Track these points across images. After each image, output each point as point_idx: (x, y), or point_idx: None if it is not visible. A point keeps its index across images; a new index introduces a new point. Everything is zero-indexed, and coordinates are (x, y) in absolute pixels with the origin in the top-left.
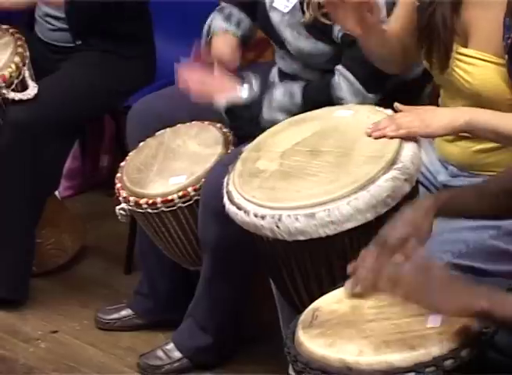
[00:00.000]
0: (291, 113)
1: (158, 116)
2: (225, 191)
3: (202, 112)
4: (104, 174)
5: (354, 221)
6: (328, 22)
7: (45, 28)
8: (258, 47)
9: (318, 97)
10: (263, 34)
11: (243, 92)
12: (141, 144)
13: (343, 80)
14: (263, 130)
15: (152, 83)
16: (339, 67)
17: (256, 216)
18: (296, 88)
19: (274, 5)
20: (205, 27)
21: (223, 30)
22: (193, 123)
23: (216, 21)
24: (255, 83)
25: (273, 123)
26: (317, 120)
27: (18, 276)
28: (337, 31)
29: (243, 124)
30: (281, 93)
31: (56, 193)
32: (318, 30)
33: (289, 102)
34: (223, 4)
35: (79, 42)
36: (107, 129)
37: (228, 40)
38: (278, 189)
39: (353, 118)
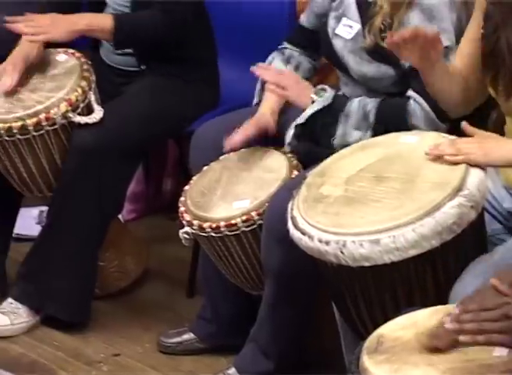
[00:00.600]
0: (364, 130)
1: (222, 140)
2: (289, 217)
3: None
4: (168, 198)
5: (419, 248)
6: None
7: (110, 52)
8: (322, 71)
9: (392, 120)
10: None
11: (317, 102)
12: (205, 168)
13: (418, 107)
14: (327, 154)
15: (216, 107)
16: (414, 94)
17: (320, 241)
18: (371, 106)
19: (337, 32)
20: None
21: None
22: (256, 147)
23: (276, 62)
24: (330, 93)
25: (345, 141)
26: (381, 146)
27: (81, 299)
28: None
29: (311, 146)
30: (356, 108)
31: (120, 216)
32: (380, 54)
33: (362, 119)
34: (285, 45)
35: (143, 66)
36: (170, 153)
37: None
38: (342, 215)
39: (419, 144)
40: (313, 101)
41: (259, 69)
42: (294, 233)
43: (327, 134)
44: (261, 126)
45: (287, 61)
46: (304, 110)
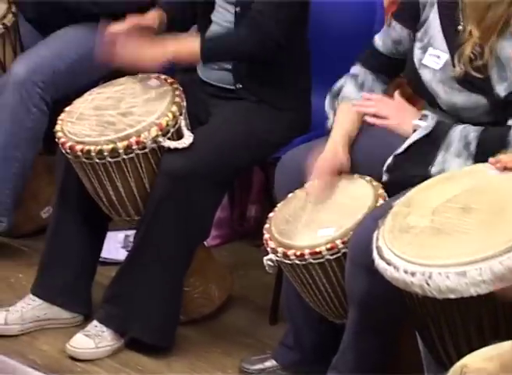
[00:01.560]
0: (465, 158)
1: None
2: (374, 246)
3: (351, 164)
4: (252, 224)
5: (506, 281)
6: (480, 76)
7: (208, 67)
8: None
9: (494, 149)
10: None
11: (419, 129)
12: (290, 195)
13: None
14: (414, 184)
15: (305, 134)
16: None
17: (406, 272)
18: (473, 135)
19: (424, 62)
20: (334, 88)
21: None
22: (342, 175)
23: (348, 87)
24: (431, 120)
25: (444, 168)
26: (468, 177)
27: (166, 324)
28: (500, 88)
29: (404, 175)
30: (458, 135)
31: (204, 242)
32: (471, 83)
33: (463, 147)
34: (358, 67)
35: (239, 85)
36: (256, 179)
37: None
38: (428, 246)
39: (506, 176)
40: (415, 130)
41: (359, 106)
42: (379, 263)
43: (424, 162)
44: (335, 168)
45: (360, 87)
46: (404, 137)
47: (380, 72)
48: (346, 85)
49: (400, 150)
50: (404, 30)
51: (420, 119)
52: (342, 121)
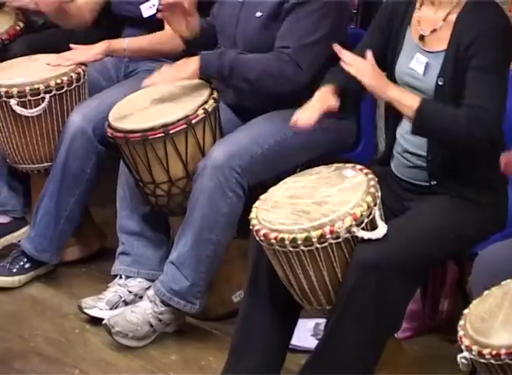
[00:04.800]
0: None
1: (506, 264)
2: None
3: None
4: (444, 319)
5: None
6: None
7: (402, 164)
8: None
9: None
10: None
11: None
12: (486, 292)
13: None
14: None
15: (502, 230)
16: None
17: None
18: None
19: None
20: None
21: None
22: None
23: None
24: None
25: None
26: None
27: None
28: None
29: None
30: None
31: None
32: None
33: None
34: None
35: (434, 182)
36: (449, 273)
37: None
38: None
39: None
40: None
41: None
42: None
43: None
44: None
45: None
46: None
47: None
48: None
49: None
50: None
51: None
52: None
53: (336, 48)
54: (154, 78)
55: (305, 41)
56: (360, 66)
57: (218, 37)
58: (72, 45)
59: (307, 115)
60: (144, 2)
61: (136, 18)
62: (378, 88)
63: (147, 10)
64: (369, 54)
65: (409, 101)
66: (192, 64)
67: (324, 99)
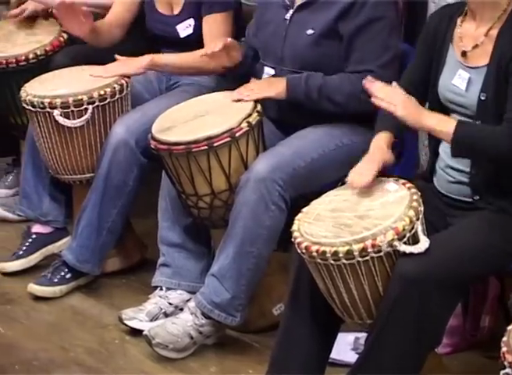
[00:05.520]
0: None
1: None
2: None
3: None
4: (485, 335)
5: None
6: None
7: (445, 179)
8: None
9: None
10: None
11: None
12: None
13: None
14: None
15: None
16: None
17: None
18: None
19: None
20: None
21: None
22: None
23: None
24: None
25: None
26: None
27: None
28: None
29: None
30: None
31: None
32: None
33: None
34: None
35: (476, 197)
36: (491, 289)
37: None
38: None
39: None
40: None
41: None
42: None
43: None
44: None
45: None
46: None
47: None
48: None
49: None
50: None
51: None
52: None
53: (367, 81)
54: (240, 95)
55: (384, 59)
56: (391, 98)
57: (260, 56)
58: (117, 56)
59: (361, 178)
60: (179, 23)
61: (170, 37)
62: (412, 118)
63: (183, 30)
64: (394, 83)
65: (445, 128)
66: (279, 84)
67: (378, 156)
